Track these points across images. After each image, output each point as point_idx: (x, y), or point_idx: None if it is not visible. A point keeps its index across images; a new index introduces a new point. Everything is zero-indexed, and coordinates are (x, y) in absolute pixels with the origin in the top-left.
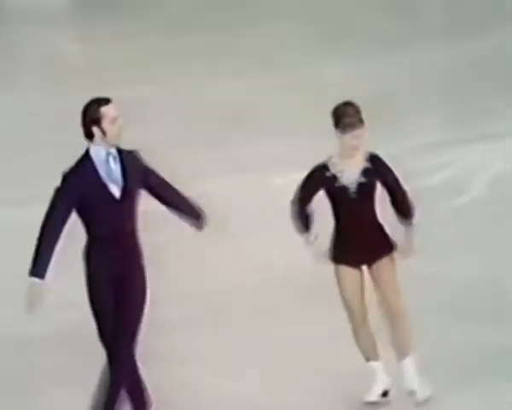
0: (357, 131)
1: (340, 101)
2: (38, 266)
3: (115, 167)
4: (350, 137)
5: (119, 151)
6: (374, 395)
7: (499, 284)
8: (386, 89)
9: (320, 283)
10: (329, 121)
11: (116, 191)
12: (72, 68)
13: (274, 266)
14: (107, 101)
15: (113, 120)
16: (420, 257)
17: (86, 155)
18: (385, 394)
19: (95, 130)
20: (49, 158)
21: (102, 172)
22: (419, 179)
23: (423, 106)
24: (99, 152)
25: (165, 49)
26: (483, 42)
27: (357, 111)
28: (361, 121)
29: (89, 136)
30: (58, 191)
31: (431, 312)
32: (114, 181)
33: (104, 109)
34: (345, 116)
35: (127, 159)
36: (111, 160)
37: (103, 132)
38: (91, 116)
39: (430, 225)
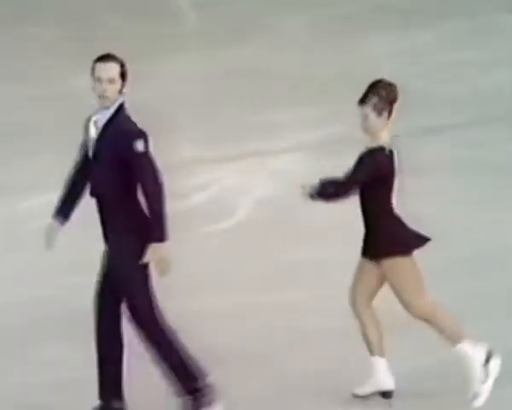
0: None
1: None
2: (56, 209)
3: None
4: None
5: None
6: (363, 391)
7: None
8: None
9: None
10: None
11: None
12: None
13: None
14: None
15: None
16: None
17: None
18: (386, 395)
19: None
20: None
21: None
22: (176, 200)
23: (179, 120)
24: None
25: None
26: (243, 52)
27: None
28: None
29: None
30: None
31: None
32: None
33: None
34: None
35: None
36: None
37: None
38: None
39: (189, 250)
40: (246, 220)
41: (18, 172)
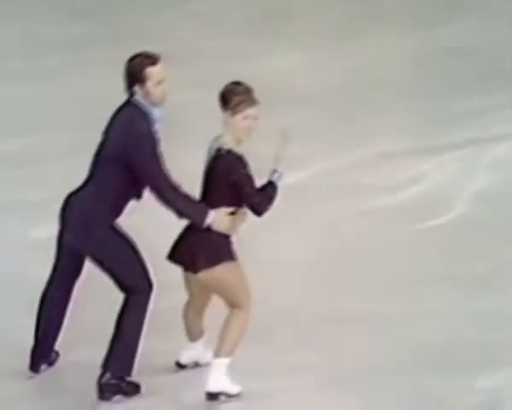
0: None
1: None
2: None
3: None
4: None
5: None
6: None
7: (488, 316)
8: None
9: None
10: None
11: None
12: None
13: None
14: (154, 61)
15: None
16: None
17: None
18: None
19: (136, 88)
20: None
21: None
22: (387, 195)
23: (385, 106)
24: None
25: None
26: (452, 29)
27: (247, 90)
28: (253, 101)
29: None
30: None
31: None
32: None
33: (150, 70)
34: (234, 95)
35: None
36: None
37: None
38: (135, 75)
39: (404, 248)
40: (462, 217)
41: None
